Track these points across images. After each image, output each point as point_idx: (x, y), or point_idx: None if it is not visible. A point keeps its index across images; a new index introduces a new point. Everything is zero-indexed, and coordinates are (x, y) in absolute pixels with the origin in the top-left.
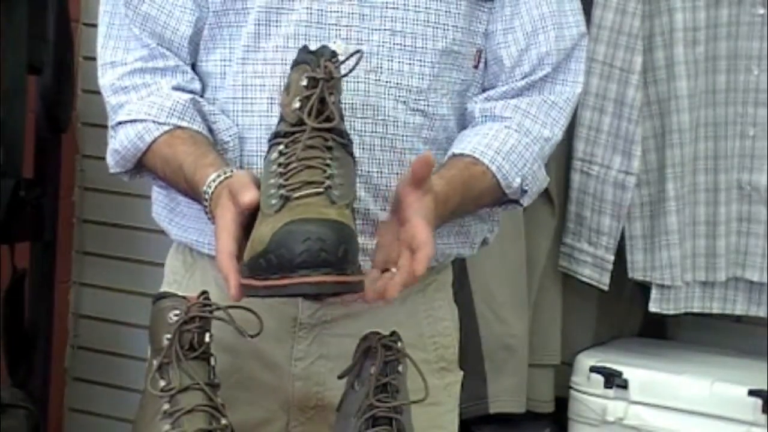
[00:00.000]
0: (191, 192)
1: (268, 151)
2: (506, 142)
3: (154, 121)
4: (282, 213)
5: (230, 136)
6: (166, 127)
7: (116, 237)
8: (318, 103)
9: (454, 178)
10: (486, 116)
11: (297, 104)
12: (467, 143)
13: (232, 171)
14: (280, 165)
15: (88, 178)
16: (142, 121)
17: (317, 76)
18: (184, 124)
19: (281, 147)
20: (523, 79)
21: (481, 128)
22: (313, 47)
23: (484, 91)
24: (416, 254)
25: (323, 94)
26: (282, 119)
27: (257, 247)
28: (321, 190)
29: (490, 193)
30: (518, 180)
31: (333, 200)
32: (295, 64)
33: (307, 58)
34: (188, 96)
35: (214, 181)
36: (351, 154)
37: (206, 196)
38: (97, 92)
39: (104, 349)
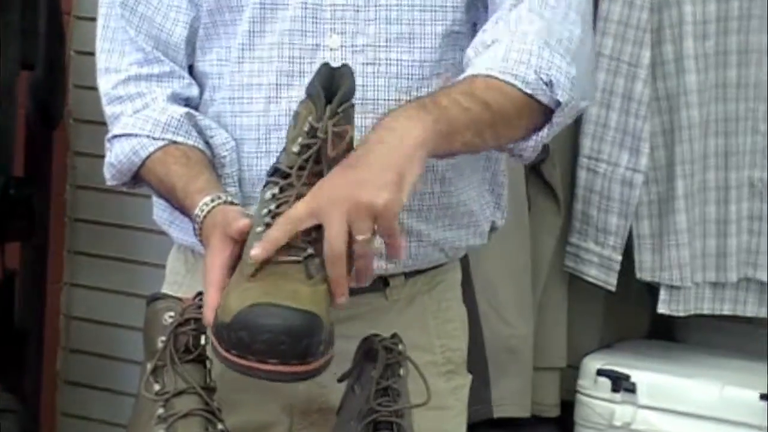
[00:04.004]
0: (185, 214)
1: (265, 186)
2: (497, 51)
3: (148, 137)
4: (255, 282)
5: (227, 150)
6: (161, 143)
7: (109, 236)
8: (314, 159)
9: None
10: (478, 50)
11: (296, 149)
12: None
13: (222, 196)
14: (269, 213)
15: (80, 175)
16: (137, 135)
17: (319, 134)
18: (179, 139)
19: (276, 190)
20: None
21: (474, 60)
22: (333, 51)
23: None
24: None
25: (321, 150)
26: (284, 152)
27: (223, 317)
28: (300, 259)
29: (502, 93)
30: (532, 74)
31: (310, 273)
32: (308, 94)
33: (315, 95)
34: (183, 110)
35: (204, 207)
36: None
37: (196, 225)
38: (90, 88)
39: (97, 351)
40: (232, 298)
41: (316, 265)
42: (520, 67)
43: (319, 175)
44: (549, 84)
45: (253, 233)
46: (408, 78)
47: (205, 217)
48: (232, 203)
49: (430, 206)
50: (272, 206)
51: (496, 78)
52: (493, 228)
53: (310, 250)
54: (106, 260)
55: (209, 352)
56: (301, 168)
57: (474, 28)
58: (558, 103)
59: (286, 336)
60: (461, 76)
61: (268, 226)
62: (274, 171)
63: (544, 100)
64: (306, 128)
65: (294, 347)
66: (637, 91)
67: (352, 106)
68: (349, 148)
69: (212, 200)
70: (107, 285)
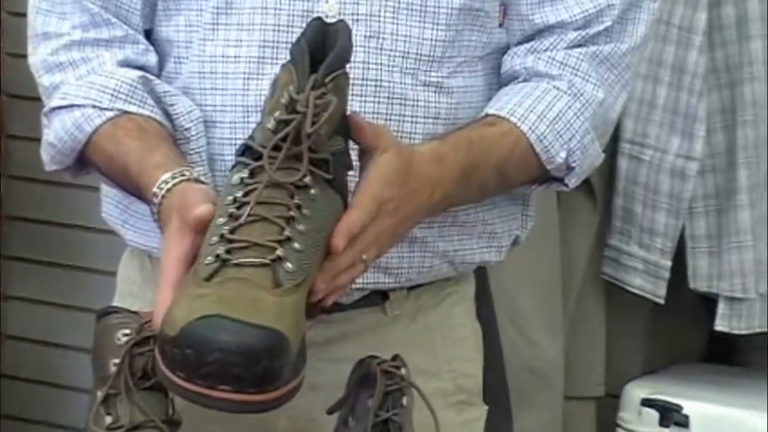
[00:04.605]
0: (141, 197)
1: (233, 168)
2: (552, 106)
3: (94, 106)
4: (209, 287)
5: (192, 121)
6: (109, 114)
7: (50, 237)
8: (292, 139)
9: (459, 134)
10: (529, 73)
11: (272, 124)
12: (504, 102)
13: (186, 173)
14: (235, 201)
15: (14, 164)
16: (80, 106)
17: (298, 108)
18: (131, 108)
19: (245, 173)
20: (576, 31)
21: (523, 87)
22: (329, 19)
23: (520, 43)
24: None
25: (300, 127)
26: (260, 126)
27: (169, 329)
28: (267, 261)
29: (522, 164)
30: (563, 154)
31: (278, 280)
32: (292, 56)
33: (298, 58)
34: (136, 73)
35: (163, 185)
36: (339, 190)
37: (154, 208)
38: (26, 56)
39: (36, 377)
40: (179, 307)
41: (286, 271)
42: (556, 144)
43: (297, 158)
44: (569, 168)
45: (213, 226)
46: (417, 58)
47: (164, 197)
48: (197, 181)
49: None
50: (239, 193)
51: (531, 144)
52: (515, 241)
53: (279, 252)
54: (45, 266)
55: None
56: (276, 148)
57: (504, 10)
58: (564, 183)
59: (239, 357)
60: (507, 110)
61: (232, 217)
62: (245, 149)
63: (554, 174)
64: (284, 100)
65: (249, 371)
66: (690, 62)
67: (345, 74)
68: (334, 121)
69: (173, 177)
70: (47, 297)
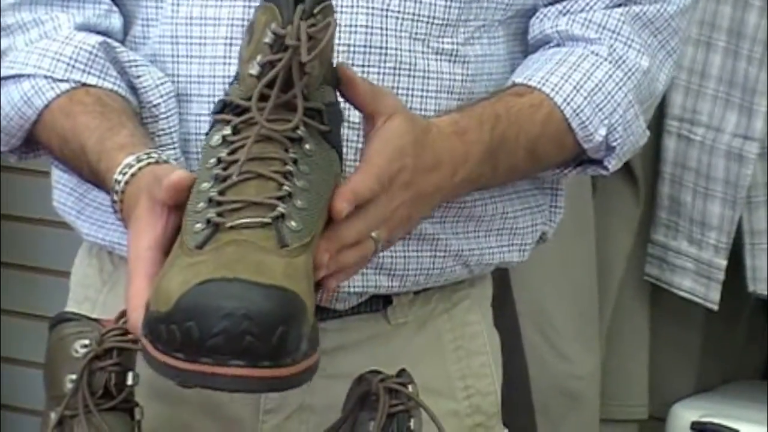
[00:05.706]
0: (100, 185)
1: (211, 128)
2: (591, 74)
3: (47, 77)
4: (204, 255)
5: (162, 96)
6: (65, 86)
7: None
8: (282, 83)
9: (482, 106)
10: (562, 37)
11: (255, 69)
12: (534, 70)
13: (154, 155)
14: (220, 162)
15: None
16: (29, 76)
17: (288, 41)
18: (90, 80)
19: (227, 130)
20: None
21: (556, 52)
22: None
23: (550, 3)
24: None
25: (291, 63)
26: (237, 79)
27: (160, 305)
28: (268, 220)
29: (556, 142)
30: (603, 131)
31: (284, 239)
32: None
33: None
34: (97, 38)
35: (126, 169)
36: (335, 146)
37: (116, 196)
38: None
39: None
40: (170, 278)
41: (291, 230)
42: (595, 118)
43: (288, 106)
44: (609, 148)
45: (197, 192)
46: (428, 21)
47: (127, 183)
48: (167, 163)
49: (449, 208)
50: (223, 153)
51: (566, 119)
52: (541, 238)
53: (281, 208)
54: None
55: (139, 395)
56: (263, 98)
57: None
58: (603, 166)
59: (250, 323)
60: (537, 78)
61: (219, 179)
62: (224, 106)
63: (592, 155)
64: (268, 39)
65: (263, 340)
66: (750, 24)
67: (332, 6)
68: (325, 59)
69: (138, 159)
70: None
